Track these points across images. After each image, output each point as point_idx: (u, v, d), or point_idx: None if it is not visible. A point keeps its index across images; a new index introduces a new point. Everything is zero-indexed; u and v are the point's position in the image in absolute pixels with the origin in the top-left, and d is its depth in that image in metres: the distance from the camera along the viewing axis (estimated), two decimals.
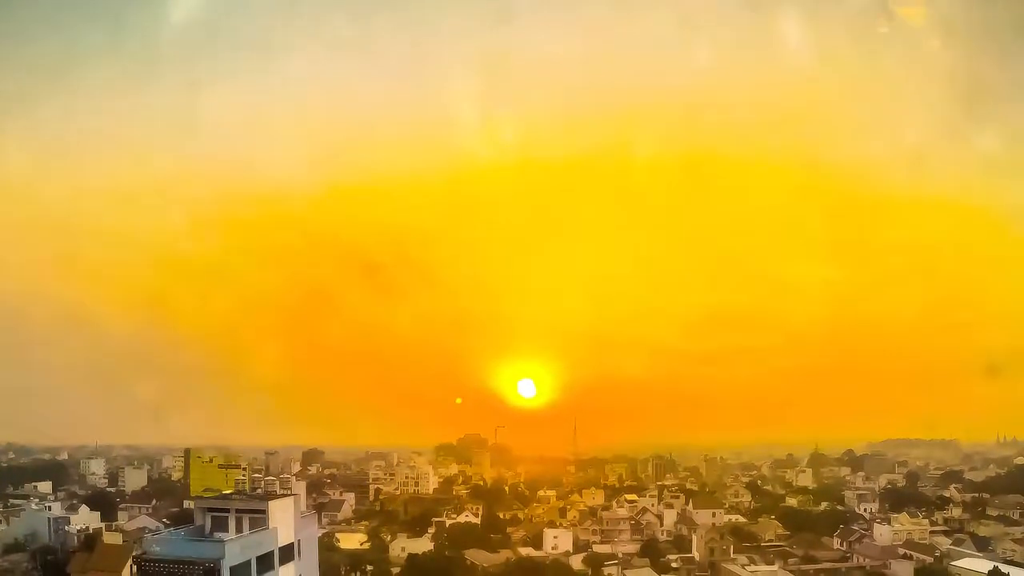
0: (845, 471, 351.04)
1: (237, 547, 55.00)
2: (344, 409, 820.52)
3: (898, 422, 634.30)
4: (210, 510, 63.80)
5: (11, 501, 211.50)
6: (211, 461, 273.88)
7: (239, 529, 61.29)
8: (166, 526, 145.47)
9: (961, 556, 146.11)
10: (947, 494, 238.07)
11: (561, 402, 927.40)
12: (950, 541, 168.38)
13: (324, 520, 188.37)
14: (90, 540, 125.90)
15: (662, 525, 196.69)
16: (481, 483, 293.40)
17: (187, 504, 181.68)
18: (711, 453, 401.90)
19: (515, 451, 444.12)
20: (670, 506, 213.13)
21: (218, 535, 60.64)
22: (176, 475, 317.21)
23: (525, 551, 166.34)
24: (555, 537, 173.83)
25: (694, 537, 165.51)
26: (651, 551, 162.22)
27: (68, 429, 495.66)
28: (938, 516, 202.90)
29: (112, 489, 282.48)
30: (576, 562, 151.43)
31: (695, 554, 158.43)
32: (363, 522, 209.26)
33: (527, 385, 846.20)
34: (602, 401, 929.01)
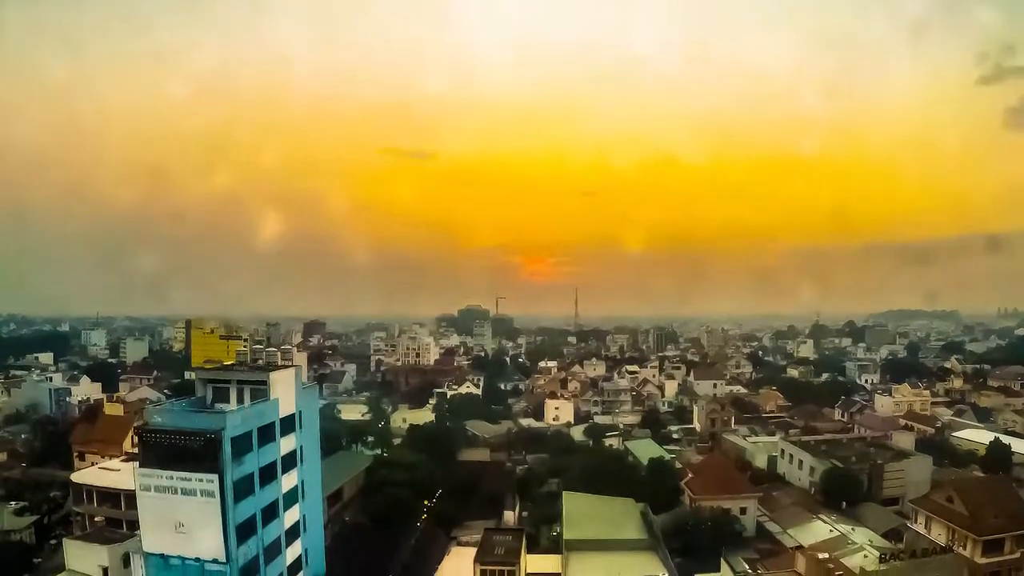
0: (846, 342, 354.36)
1: (238, 418, 53.61)
2: (345, 280, 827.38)
3: (899, 293, 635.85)
4: (211, 381, 62.87)
5: (12, 372, 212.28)
6: (212, 332, 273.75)
7: (240, 400, 60.46)
8: (167, 397, 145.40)
9: (962, 427, 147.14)
10: (948, 365, 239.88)
11: (563, 272, 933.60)
12: (951, 412, 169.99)
13: (325, 391, 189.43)
14: (91, 411, 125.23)
15: (663, 396, 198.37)
16: (482, 354, 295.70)
17: (188, 375, 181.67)
18: (712, 324, 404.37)
19: (516, 322, 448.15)
20: (671, 377, 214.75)
21: (219, 406, 59.83)
22: (177, 346, 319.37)
23: (526, 422, 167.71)
24: (556, 408, 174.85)
25: (695, 408, 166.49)
26: (652, 422, 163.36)
27: (69, 300, 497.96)
28: (939, 387, 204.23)
29: (113, 360, 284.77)
30: (577, 433, 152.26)
31: (696, 425, 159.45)
32: (364, 393, 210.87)
33: (527, 254, 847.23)
34: (604, 271, 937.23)
